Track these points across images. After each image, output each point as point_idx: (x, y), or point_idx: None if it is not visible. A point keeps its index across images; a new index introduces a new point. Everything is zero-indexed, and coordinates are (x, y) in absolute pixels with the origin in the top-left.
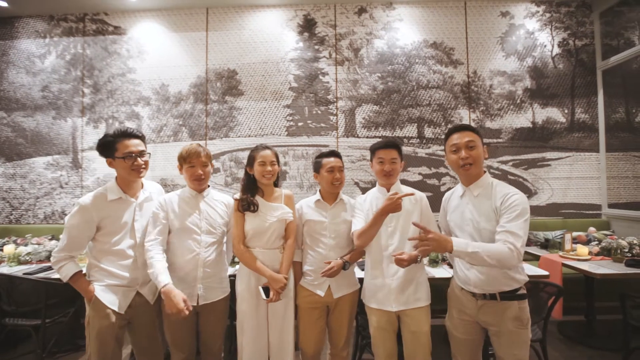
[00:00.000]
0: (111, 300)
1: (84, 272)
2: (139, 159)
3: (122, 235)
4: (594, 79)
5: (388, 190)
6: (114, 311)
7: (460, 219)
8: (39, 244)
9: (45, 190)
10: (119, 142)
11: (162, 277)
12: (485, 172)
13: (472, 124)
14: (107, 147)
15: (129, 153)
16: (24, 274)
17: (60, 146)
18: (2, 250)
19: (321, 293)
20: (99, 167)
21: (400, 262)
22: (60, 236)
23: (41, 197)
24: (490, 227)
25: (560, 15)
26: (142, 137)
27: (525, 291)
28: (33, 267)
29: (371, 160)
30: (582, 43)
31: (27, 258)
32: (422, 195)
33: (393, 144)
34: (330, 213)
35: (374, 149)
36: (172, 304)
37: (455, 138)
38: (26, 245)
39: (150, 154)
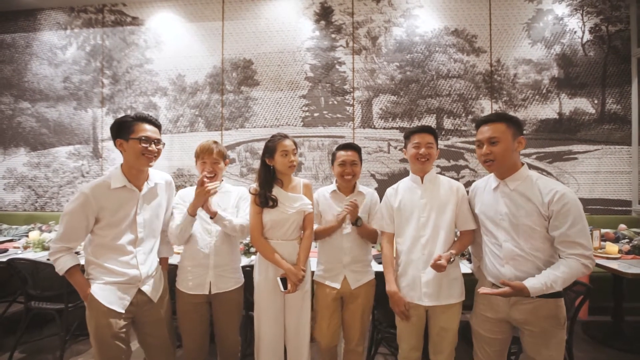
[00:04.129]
0: (109, 299)
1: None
2: (153, 145)
3: (122, 229)
4: (628, 67)
5: (422, 179)
6: (112, 310)
7: (494, 213)
8: None
9: (68, 179)
10: (137, 124)
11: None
12: (523, 164)
13: None
14: (124, 127)
15: (146, 137)
16: (47, 259)
17: (82, 136)
18: (27, 236)
19: (337, 285)
20: (118, 157)
21: (439, 268)
22: (56, 225)
23: (64, 186)
24: (530, 222)
25: (593, 0)
26: (159, 126)
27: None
28: None
29: (405, 146)
30: (616, 29)
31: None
32: (459, 186)
33: (429, 129)
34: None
35: (409, 134)
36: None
37: (480, 132)
38: (50, 232)
39: (164, 144)
